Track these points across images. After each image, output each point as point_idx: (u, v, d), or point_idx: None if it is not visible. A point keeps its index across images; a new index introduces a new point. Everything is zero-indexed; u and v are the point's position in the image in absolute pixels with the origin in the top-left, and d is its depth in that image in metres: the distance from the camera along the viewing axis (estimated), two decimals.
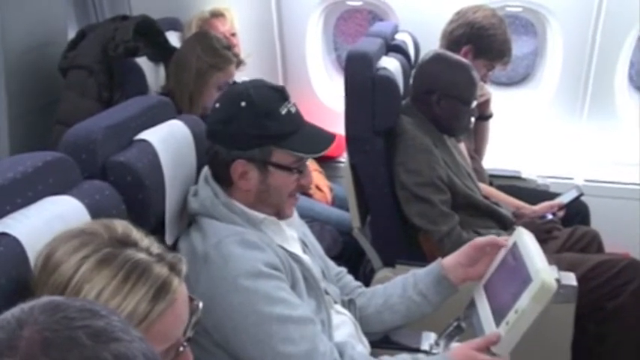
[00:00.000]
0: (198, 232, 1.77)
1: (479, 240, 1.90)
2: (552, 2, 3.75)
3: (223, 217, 1.76)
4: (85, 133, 1.62)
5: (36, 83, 2.99)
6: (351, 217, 2.87)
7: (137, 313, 1.06)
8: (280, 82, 4.21)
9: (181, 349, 1.13)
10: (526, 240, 1.78)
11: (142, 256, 1.10)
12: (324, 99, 4.29)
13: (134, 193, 1.62)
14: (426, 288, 1.94)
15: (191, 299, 1.19)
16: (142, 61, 2.99)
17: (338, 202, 3.61)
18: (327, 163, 3.96)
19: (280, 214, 1.84)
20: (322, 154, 1.81)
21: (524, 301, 1.63)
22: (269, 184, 1.77)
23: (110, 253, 1.10)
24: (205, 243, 1.72)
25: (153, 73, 3.06)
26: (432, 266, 1.96)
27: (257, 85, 1.83)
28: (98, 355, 0.71)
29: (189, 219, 1.85)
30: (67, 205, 1.35)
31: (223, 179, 1.80)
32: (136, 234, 1.15)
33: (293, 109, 1.79)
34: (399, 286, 1.99)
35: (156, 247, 1.14)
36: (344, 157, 3.95)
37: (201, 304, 1.21)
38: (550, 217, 2.88)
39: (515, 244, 1.79)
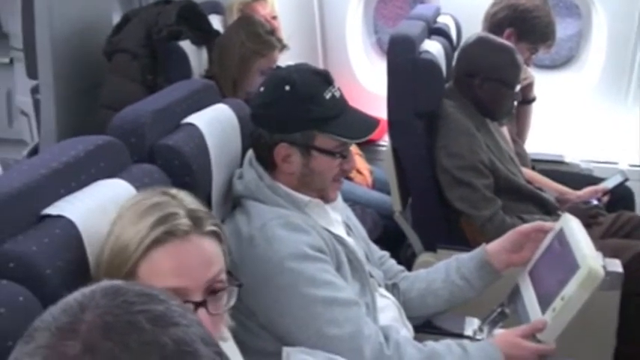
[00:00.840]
0: (243, 214, 1.78)
1: (524, 226, 1.89)
2: None
3: (268, 200, 1.78)
4: (134, 117, 1.65)
5: (81, 67, 3.03)
6: (392, 200, 2.86)
7: (136, 238, 1.17)
8: (321, 66, 4.21)
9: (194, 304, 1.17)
10: (573, 226, 1.77)
11: (174, 204, 1.23)
12: (364, 82, 4.28)
13: (181, 177, 1.64)
14: (469, 272, 1.93)
15: (230, 274, 1.25)
16: (185, 45, 3.01)
17: (378, 186, 3.61)
18: (367, 147, 3.95)
19: (325, 198, 1.84)
20: (365, 139, 1.81)
21: (571, 287, 1.62)
22: (312, 168, 1.78)
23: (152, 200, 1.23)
24: (250, 225, 1.73)
25: (196, 57, 3.08)
26: (476, 251, 1.95)
27: (301, 69, 1.84)
28: (158, 340, 0.73)
29: (233, 202, 1.87)
30: (119, 189, 1.37)
31: (267, 162, 1.81)
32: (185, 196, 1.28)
33: (337, 94, 1.79)
34: (442, 271, 1.99)
35: (197, 207, 1.26)
36: (384, 141, 3.95)
37: (241, 285, 1.28)
38: (595, 202, 2.85)
39: (561, 230, 1.78)
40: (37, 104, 3.08)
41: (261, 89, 1.84)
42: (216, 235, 1.25)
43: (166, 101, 1.78)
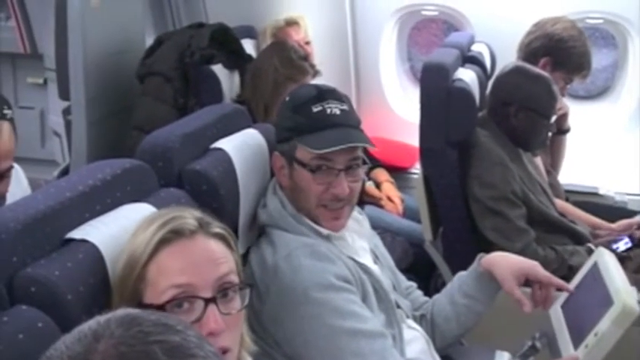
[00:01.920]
0: (268, 243, 1.76)
1: (538, 272, 1.82)
2: (634, 14, 3.63)
3: (292, 229, 1.75)
4: (163, 142, 1.63)
5: (113, 89, 3.05)
6: (423, 229, 2.83)
7: (144, 242, 1.18)
8: (353, 92, 4.20)
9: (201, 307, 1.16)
10: (607, 260, 1.72)
11: (182, 211, 1.26)
12: (397, 109, 4.25)
13: (209, 202, 1.62)
14: (469, 288, 1.91)
15: (247, 285, 1.26)
16: (218, 69, 3.01)
17: (409, 214, 3.57)
18: (398, 174, 3.92)
19: (319, 226, 1.77)
20: (325, 152, 1.70)
21: (604, 324, 1.57)
22: (295, 181, 1.78)
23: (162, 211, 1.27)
24: (275, 254, 1.71)
25: (228, 81, 3.08)
26: (473, 265, 1.94)
27: (311, 85, 1.93)
28: None
29: (259, 230, 1.85)
30: (145, 213, 1.35)
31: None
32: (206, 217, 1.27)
33: (330, 110, 1.74)
34: (448, 294, 1.97)
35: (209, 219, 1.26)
36: (416, 169, 3.92)
37: (252, 287, 1.30)
38: (626, 239, 2.77)
39: (595, 264, 1.73)
40: (68, 125, 3.10)
41: None
42: (223, 238, 1.26)
43: (196, 125, 1.77)
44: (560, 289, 1.81)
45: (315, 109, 1.74)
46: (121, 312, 0.79)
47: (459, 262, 2.72)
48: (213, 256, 1.20)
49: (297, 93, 1.81)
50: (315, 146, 1.71)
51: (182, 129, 1.72)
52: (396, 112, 4.25)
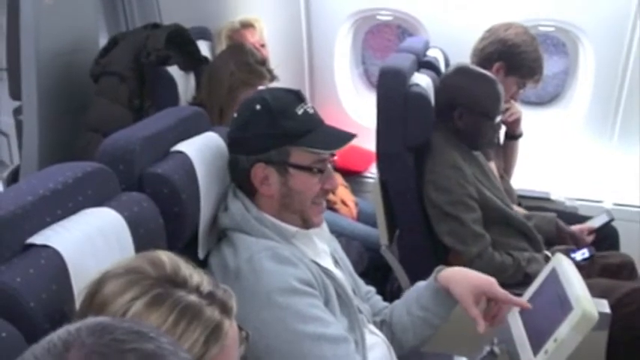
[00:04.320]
0: (230, 247, 1.74)
1: (496, 291, 1.80)
2: (585, 22, 3.71)
3: (255, 232, 1.74)
4: (123, 144, 1.60)
5: (66, 88, 2.99)
6: (379, 233, 2.83)
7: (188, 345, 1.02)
8: (307, 95, 4.19)
9: None
10: (565, 266, 1.75)
11: (192, 298, 1.04)
12: (350, 113, 4.26)
13: (170, 206, 1.59)
14: (426, 301, 1.91)
15: (239, 328, 1.15)
16: (173, 70, 2.98)
17: (363, 218, 3.58)
18: (352, 178, 3.93)
19: (307, 223, 1.79)
20: (338, 149, 1.77)
21: (564, 329, 1.59)
22: (290, 187, 1.75)
23: (159, 295, 1.03)
24: (237, 258, 1.69)
25: (183, 83, 3.05)
26: (430, 279, 1.93)
27: (271, 89, 1.86)
28: None
29: (218, 234, 1.83)
30: (107, 218, 1.33)
31: (247, 189, 1.78)
32: (185, 269, 1.09)
33: (310, 110, 1.77)
34: (405, 303, 1.97)
35: (206, 284, 1.08)
36: (370, 173, 3.94)
37: (249, 334, 1.18)
38: (584, 249, 2.80)
39: (553, 270, 1.76)
40: (19, 125, 3.02)
41: (235, 115, 1.82)
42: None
43: (156, 128, 1.74)
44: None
45: (299, 112, 1.73)
46: (92, 320, 0.77)
47: (416, 267, 2.75)
48: (237, 337, 1.11)
49: (270, 98, 1.74)
50: (320, 146, 1.72)
51: (142, 131, 1.69)
52: (350, 116, 4.26)
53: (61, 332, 0.75)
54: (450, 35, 3.79)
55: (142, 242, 1.38)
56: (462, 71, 2.78)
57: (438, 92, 2.81)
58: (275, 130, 1.72)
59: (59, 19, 2.92)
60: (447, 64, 3.53)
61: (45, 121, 2.86)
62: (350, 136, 1.77)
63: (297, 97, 1.76)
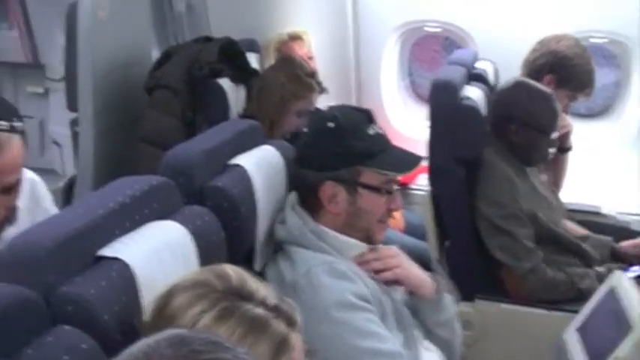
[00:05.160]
0: (286, 260, 1.76)
1: None
2: (638, 33, 3.66)
3: (312, 246, 1.75)
4: (184, 158, 1.64)
5: (120, 101, 3.05)
6: (429, 247, 2.83)
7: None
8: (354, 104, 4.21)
9: None
10: (624, 285, 1.73)
11: (259, 311, 1.06)
12: (397, 125, 4.26)
13: (229, 219, 1.62)
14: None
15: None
16: (224, 83, 3.01)
17: (410, 230, 3.57)
18: (399, 190, 3.91)
19: (370, 240, 1.82)
20: (409, 172, 1.83)
21: (624, 348, 1.58)
22: (359, 206, 1.76)
23: (227, 308, 1.06)
24: (294, 272, 1.71)
25: (234, 95, 3.07)
26: None
27: (343, 107, 1.88)
28: None
29: (274, 246, 1.85)
30: (173, 231, 1.36)
31: (312, 204, 1.79)
32: (251, 282, 1.11)
33: (380, 131, 1.80)
34: None
35: (272, 297, 1.10)
36: (416, 184, 3.93)
37: (314, 350, 1.19)
38: (636, 267, 2.75)
39: (612, 289, 1.74)
40: (75, 137, 3.09)
41: (305, 130, 1.83)
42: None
43: (214, 141, 1.77)
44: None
45: (370, 132, 1.75)
46: (170, 332, 0.79)
47: (466, 281, 2.73)
48: (302, 350, 1.12)
49: (342, 118, 1.76)
50: (391, 168, 1.74)
51: (201, 145, 1.72)
52: (397, 128, 4.25)
53: (141, 345, 0.77)
54: (499, 47, 3.77)
55: (204, 255, 1.41)
56: (519, 86, 2.77)
57: (492, 105, 2.80)
58: (347, 150, 1.73)
59: (114, 33, 2.99)
60: (496, 77, 3.52)
61: (100, 133, 2.92)
62: (419, 159, 1.82)
63: (367, 117, 1.78)
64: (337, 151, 1.74)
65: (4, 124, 1.66)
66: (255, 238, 1.76)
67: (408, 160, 1.81)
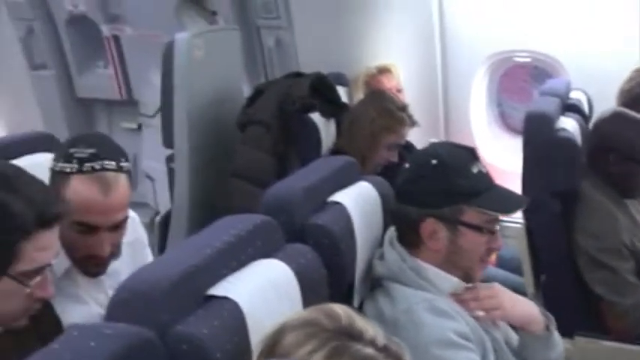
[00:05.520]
0: (386, 296, 1.75)
1: None
2: None
3: (411, 283, 1.74)
4: (285, 195, 1.66)
5: (214, 137, 3.13)
6: (525, 281, 2.78)
7: None
8: (442, 138, 4.18)
9: None
10: None
11: (369, 351, 1.05)
12: (487, 156, 4.21)
13: (330, 257, 1.62)
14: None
15: None
16: (315, 117, 3.05)
17: (501, 263, 3.51)
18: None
19: (469, 278, 1.79)
20: (513, 213, 1.79)
21: None
22: (459, 245, 1.74)
23: (337, 347, 1.05)
24: (394, 308, 1.70)
25: (324, 129, 3.11)
26: None
27: (446, 144, 1.88)
28: None
29: (372, 282, 1.84)
30: (277, 270, 1.38)
31: (411, 240, 1.78)
32: (360, 322, 1.10)
33: (484, 169, 1.77)
34: None
35: (381, 337, 1.09)
36: (507, 217, 3.86)
37: None
38: None
39: None
40: (170, 172, 3.17)
41: (407, 166, 1.83)
42: None
43: (313, 179, 1.79)
44: None
45: (474, 171, 1.74)
46: None
47: (564, 318, 2.65)
48: None
49: (446, 155, 1.75)
50: (495, 208, 1.73)
51: (301, 182, 1.74)
52: (486, 160, 4.20)
53: None
54: (592, 76, 3.69)
55: (307, 293, 1.42)
56: (617, 116, 2.70)
57: (589, 137, 2.75)
58: (450, 188, 1.72)
59: (208, 72, 3.07)
60: (590, 107, 3.45)
61: (194, 169, 3.00)
62: (524, 201, 1.81)
63: (472, 155, 1.77)
64: (440, 188, 1.72)
65: (112, 163, 1.72)
66: (354, 275, 1.76)
67: (513, 201, 1.78)
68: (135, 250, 2.02)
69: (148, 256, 2.15)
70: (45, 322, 1.62)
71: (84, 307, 1.82)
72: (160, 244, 3.05)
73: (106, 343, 0.97)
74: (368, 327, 1.12)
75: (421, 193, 1.75)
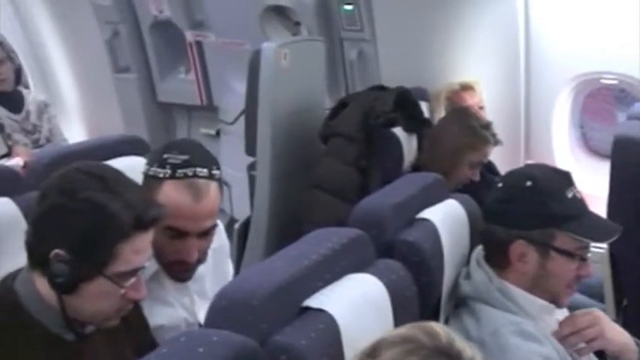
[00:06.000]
0: (471, 316, 1.73)
1: None
2: None
3: (498, 304, 1.71)
4: (376, 211, 1.66)
5: (296, 147, 3.14)
6: (607, 308, 2.71)
7: None
8: (522, 159, 4.12)
9: None
10: None
11: None
12: None
13: (419, 274, 1.62)
14: None
15: None
16: (398, 132, 3.04)
17: (582, 288, 3.43)
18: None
19: (556, 303, 1.76)
20: (607, 241, 1.80)
21: None
22: (548, 269, 1.71)
23: None
24: (480, 330, 1.68)
25: (406, 144, 3.09)
26: None
27: (541, 166, 1.84)
28: None
29: (456, 301, 1.82)
30: (370, 284, 1.38)
31: (499, 261, 1.76)
32: (459, 342, 1.09)
33: (578, 195, 1.74)
34: None
35: (479, 358, 1.09)
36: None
37: None
38: None
39: None
40: (251, 180, 3.20)
41: (499, 185, 1.80)
42: None
43: (403, 195, 1.79)
44: None
45: (569, 195, 1.71)
46: None
47: None
48: None
49: (541, 177, 1.73)
50: (588, 235, 1.70)
51: (391, 198, 1.74)
52: None
53: None
54: None
55: (398, 310, 1.42)
56: None
57: None
58: (543, 211, 1.69)
59: (293, 81, 3.09)
60: None
61: (275, 178, 3.02)
62: (617, 229, 1.76)
63: (567, 179, 1.74)
64: (533, 210, 1.69)
65: (204, 171, 1.74)
66: (440, 293, 1.75)
67: (607, 229, 1.75)
68: (218, 257, 2.04)
69: (229, 264, 2.17)
70: (134, 323, 1.66)
71: (170, 310, 1.85)
72: (238, 252, 3.09)
73: (213, 350, 0.98)
74: (466, 347, 1.11)
75: (512, 215, 1.72)
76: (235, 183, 4.08)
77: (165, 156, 1.76)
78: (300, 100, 3.18)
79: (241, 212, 3.79)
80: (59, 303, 1.42)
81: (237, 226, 3.23)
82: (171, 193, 1.71)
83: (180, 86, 4.84)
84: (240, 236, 3.15)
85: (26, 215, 1.54)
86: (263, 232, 3.00)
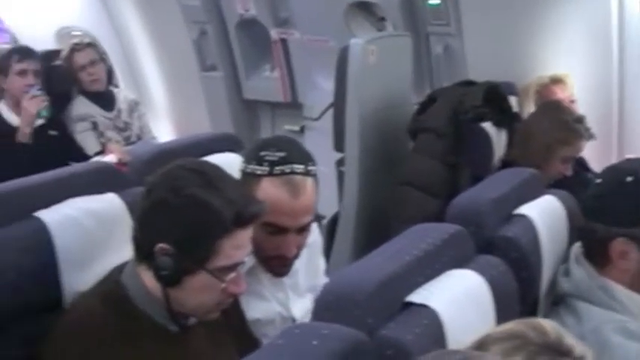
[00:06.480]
0: (571, 314, 1.69)
1: None
2: None
3: (600, 302, 1.67)
4: (474, 206, 1.65)
5: (383, 142, 3.14)
6: None
7: None
8: (614, 153, 4.01)
9: None
10: None
11: None
12: None
13: (518, 270, 1.60)
14: None
15: None
16: (488, 127, 3.00)
17: None
18: None
19: None
20: None
21: None
22: None
23: None
24: (581, 327, 1.64)
25: (496, 139, 3.05)
26: None
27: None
28: None
29: (555, 299, 1.79)
30: (472, 281, 1.37)
31: (598, 258, 1.71)
32: (569, 339, 1.08)
33: None
34: None
35: (589, 356, 1.07)
36: None
37: None
38: None
39: None
40: (340, 176, 3.21)
41: (598, 181, 1.75)
42: None
43: (500, 190, 1.77)
44: None
45: None
46: None
47: None
48: None
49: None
50: None
51: (489, 193, 1.73)
52: None
53: None
54: None
55: (500, 306, 1.40)
56: None
57: None
58: None
59: (380, 77, 3.09)
60: None
61: (363, 173, 3.02)
62: None
63: None
64: (634, 207, 1.64)
65: (300, 167, 1.76)
66: (539, 290, 1.72)
67: None
68: (311, 253, 2.05)
69: (321, 259, 2.18)
70: (233, 316, 1.69)
71: (266, 304, 1.87)
72: (327, 246, 3.10)
73: (326, 343, 0.99)
74: (576, 344, 1.09)
75: (612, 211, 1.67)
76: (320, 178, 4.08)
77: (263, 153, 1.78)
78: (388, 96, 3.17)
79: (325, 208, 3.81)
80: (164, 295, 1.46)
81: (325, 221, 3.25)
82: (269, 190, 1.73)
83: (265, 84, 4.89)
84: (329, 231, 3.17)
85: (131, 210, 1.58)
86: (351, 227, 3.01)
